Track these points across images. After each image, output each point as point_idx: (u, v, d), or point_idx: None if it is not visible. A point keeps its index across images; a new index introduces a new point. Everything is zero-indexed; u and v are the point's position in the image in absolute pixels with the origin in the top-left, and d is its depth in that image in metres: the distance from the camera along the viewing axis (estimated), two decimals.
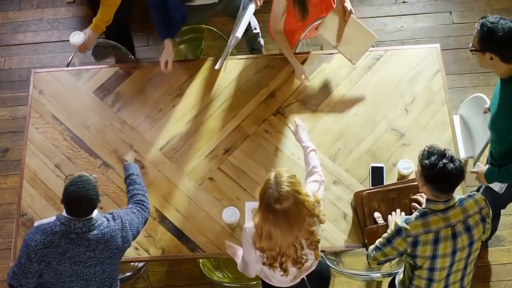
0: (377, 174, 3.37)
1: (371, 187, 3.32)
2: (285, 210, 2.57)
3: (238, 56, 3.85)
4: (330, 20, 3.58)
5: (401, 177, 3.34)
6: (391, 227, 2.79)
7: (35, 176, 3.47)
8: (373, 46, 3.67)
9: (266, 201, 2.60)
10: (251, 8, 3.64)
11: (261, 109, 3.58)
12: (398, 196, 3.22)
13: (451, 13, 4.73)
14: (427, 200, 2.76)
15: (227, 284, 3.35)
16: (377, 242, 2.86)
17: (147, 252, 3.28)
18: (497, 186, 3.29)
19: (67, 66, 3.88)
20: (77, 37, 3.67)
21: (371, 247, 2.91)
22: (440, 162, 2.62)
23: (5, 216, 4.20)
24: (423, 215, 2.73)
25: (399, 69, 3.65)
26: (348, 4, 3.58)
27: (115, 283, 2.98)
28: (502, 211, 3.70)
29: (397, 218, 2.86)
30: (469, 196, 2.78)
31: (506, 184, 3.26)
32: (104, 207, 3.37)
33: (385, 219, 3.17)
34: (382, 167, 3.38)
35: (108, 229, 2.82)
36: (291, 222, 2.60)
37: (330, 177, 3.39)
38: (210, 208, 3.35)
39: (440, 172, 2.62)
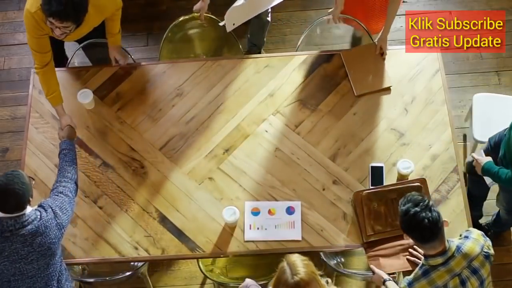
0: (376, 174, 3.37)
1: (370, 187, 3.32)
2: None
3: (238, 56, 3.85)
4: (357, 50, 3.71)
5: (401, 177, 3.34)
6: None
7: (35, 176, 3.47)
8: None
9: (281, 284, 2.51)
10: None
11: (261, 109, 3.58)
12: (398, 196, 3.22)
13: (450, 13, 4.72)
14: (425, 257, 2.71)
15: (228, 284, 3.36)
16: None
17: (147, 252, 3.28)
18: (488, 180, 3.31)
19: (67, 66, 3.88)
20: (84, 96, 3.57)
21: None
22: (412, 210, 2.59)
23: None
24: (425, 273, 2.68)
25: (399, 69, 3.65)
26: (384, 45, 3.65)
27: (64, 277, 2.93)
28: None
29: (401, 283, 2.79)
30: (466, 237, 2.71)
31: None
32: (104, 207, 3.38)
33: (384, 221, 3.18)
34: (382, 167, 3.38)
35: (41, 220, 2.78)
36: None
37: (330, 177, 3.39)
38: (210, 208, 3.35)
39: (411, 219, 2.59)
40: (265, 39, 4.37)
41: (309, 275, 2.51)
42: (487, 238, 2.75)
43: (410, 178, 3.33)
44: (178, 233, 3.31)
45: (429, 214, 2.59)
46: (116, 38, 3.66)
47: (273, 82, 3.65)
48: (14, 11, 4.93)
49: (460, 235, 2.79)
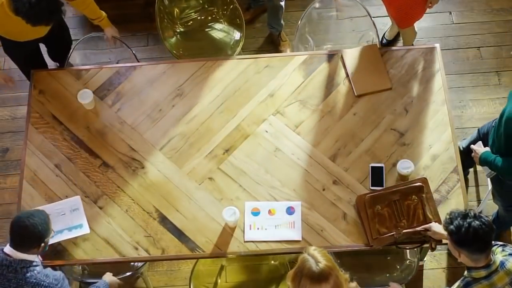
0: (376, 174, 3.37)
1: (372, 190, 3.32)
2: (324, 276, 2.51)
3: (238, 56, 3.85)
4: (357, 50, 3.68)
5: (401, 177, 3.34)
6: None
7: (35, 176, 3.47)
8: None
9: (304, 279, 2.52)
10: None
11: (261, 109, 3.58)
12: (401, 197, 3.23)
13: (450, 13, 4.72)
14: (468, 269, 2.68)
15: None
16: None
17: (147, 252, 3.28)
18: (487, 170, 3.31)
19: (65, 65, 3.88)
20: (84, 96, 3.57)
21: None
22: (465, 223, 2.57)
23: (5, 216, 4.20)
24: (467, 285, 2.66)
25: (399, 69, 3.65)
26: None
27: None
28: None
29: None
30: (510, 255, 2.69)
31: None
32: (105, 206, 3.38)
33: (388, 223, 3.18)
34: (382, 167, 3.38)
35: (30, 274, 2.80)
36: None
37: (330, 177, 3.39)
38: (210, 208, 3.35)
39: (467, 232, 2.56)
40: (282, 22, 4.45)
41: (331, 264, 2.55)
42: None
43: (410, 178, 3.33)
44: (178, 233, 3.31)
45: (483, 221, 2.58)
46: (102, 22, 3.77)
47: (273, 82, 3.65)
48: None
49: (504, 248, 2.75)
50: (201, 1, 4.12)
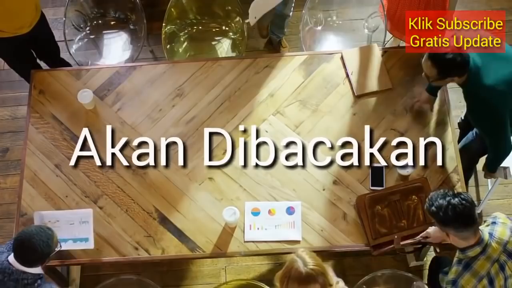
0: (377, 174, 3.37)
1: (372, 190, 3.32)
2: (312, 277, 2.55)
3: (238, 56, 3.85)
4: (357, 50, 3.68)
5: (401, 177, 3.34)
6: None
7: (35, 176, 3.47)
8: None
9: (291, 281, 2.56)
10: None
11: (261, 109, 3.58)
12: (401, 198, 3.23)
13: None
14: (463, 250, 2.72)
15: None
16: None
17: (147, 252, 3.28)
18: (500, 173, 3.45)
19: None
20: (84, 96, 3.56)
21: None
22: (444, 201, 2.64)
23: (5, 216, 4.20)
24: (466, 266, 2.70)
25: (399, 69, 3.65)
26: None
27: None
28: (502, 211, 3.69)
29: (442, 281, 2.82)
30: (493, 223, 2.75)
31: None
32: (105, 206, 3.38)
33: (389, 223, 3.18)
34: (382, 167, 3.38)
35: None
36: None
37: (330, 177, 3.39)
38: (210, 208, 3.35)
39: (447, 209, 2.62)
40: (286, 30, 4.43)
41: (320, 266, 2.57)
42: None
43: (410, 178, 3.33)
44: (178, 233, 3.31)
45: (462, 197, 2.64)
46: None
47: (273, 82, 3.65)
48: None
49: (485, 221, 2.83)
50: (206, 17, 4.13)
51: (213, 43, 4.15)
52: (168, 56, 4.00)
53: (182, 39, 4.12)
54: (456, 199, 2.63)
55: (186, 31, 4.11)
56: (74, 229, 3.30)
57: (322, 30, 4.11)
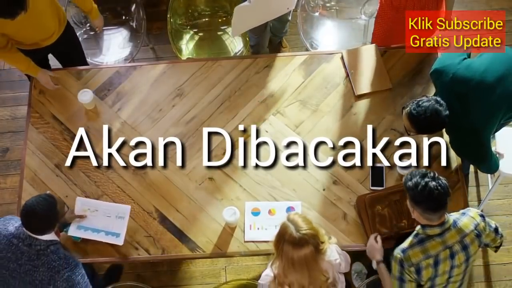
0: (377, 174, 3.37)
1: (373, 190, 3.32)
2: (305, 254, 2.64)
3: (238, 56, 3.85)
4: (357, 50, 3.68)
5: (401, 177, 3.34)
6: (392, 262, 2.83)
7: (35, 176, 3.47)
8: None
9: (286, 244, 2.65)
10: None
11: (261, 109, 3.58)
12: (401, 198, 3.22)
13: (451, 13, 4.71)
14: (423, 226, 2.79)
15: None
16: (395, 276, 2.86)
17: (147, 252, 3.28)
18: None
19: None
20: (84, 96, 3.54)
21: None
22: (422, 181, 2.69)
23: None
24: (420, 241, 2.77)
25: (399, 69, 3.65)
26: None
27: None
28: (502, 211, 3.71)
29: (396, 252, 2.87)
30: (463, 214, 2.82)
31: None
32: None
33: (390, 223, 3.18)
34: (382, 167, 3.38)
35: (48, 258, 2.82)
36: (309, 266, 2.67)
37: (330, 177, 3.39)
38: (210, 208, 3.36)
39: (423, 190, 2.68)
40: (286, 29, 4.42)
41: (312, 229, 2.67)
42: (487, 220, 2.85)
43: None
44: (178, 233, 3.31)
45: (439, 182, 2.69)
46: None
47: (273, 82, 3.65)
48: None
49: (458, 211, 2.89)
50: (211, 6, 4.13)
51: (219, 33, 4.16)
52: (175, 49, 3.98)
53: (187, 31, 4.12)
54: (434, 183, 2.68)
55: (191, 23, 4.12)
56: (109, 222, 3.29)
57: (320, 16, 4.12)
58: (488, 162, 3.22)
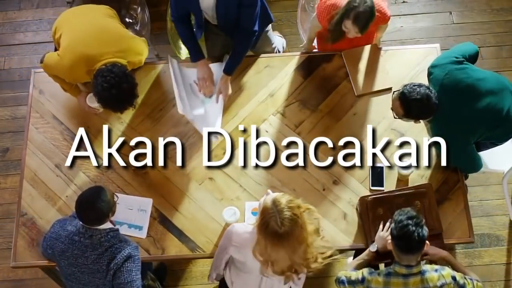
0: (377, 174, 3.37)
1: (374, 191, 3.31)
2: (287, 234, 2.62)
3: None
4: (357, 50, 3.68)
5: (401, 177, 3.34)
6: (360, 273, 2.90)
7: (35, 176, 3.47)
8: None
9: (269, 230, 2.64)
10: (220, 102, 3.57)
11: (261, 109, 3.58)
12: (404, 202, 3.19)
13: (451, 13, 4.73)
14: (394, 262, 2.86)
15: None
16: (344, 275, 2.95)
17: (147, 252, 3.28)
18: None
19: None
20: (93, 99, 3.41)
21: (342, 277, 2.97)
22: (406, 221, 2.76)
23: (5, 216, 4.20)
24: (387, 275, 2.85)
25: (399, 69, 3.65)
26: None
27: None
28: (502, 211, 3.70)
29: (365, 270, 2.93)
30: (436, 270, 2.86)
31: None
32: None
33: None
34: (382, 167, 3.38)
35: (110, 248, 2.93)
36: (292, 245, 2.66)
37: (330, 177, 3.39)
38: (210, 208, 3.36)
39: (402, 228, 2.75)
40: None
41: (295, 221, 2.62)
42: (464, 282, 2.86)
43: (411, 179, 3.33)
44: (178, 233, 3.31)
45: (420, 231, 2.75)
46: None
47: (273, 82, 3.66)
48: (15, 11, 4.93)
49: (434, 265, 2.93)
50: None
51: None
52: (175, 49, 3.97)
53: None
54: (415, 228, 2.75)
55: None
56: (132, 215, 3.32)
57: None
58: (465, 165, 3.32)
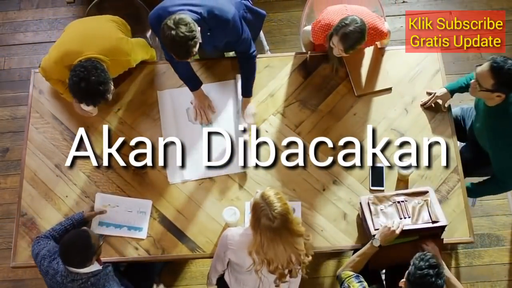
0: (377, 174, 3.37)
1: (372, 190, 3.32)
2: (281, 226, 2.72)
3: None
4: (358, 50, 3.61)
5: (401, 177, 3.34)
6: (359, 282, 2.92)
7: (35, 176, 3.47)
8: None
9: (263, 225, 2.72)
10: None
11: (261, 109, 3.58)
12: (405, 200, 3.18)
13: (450, 13, 4.72)
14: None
15: None
16: (347, 284, 2.94)
17: (147, 252, 3.28)
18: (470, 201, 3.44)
19: None
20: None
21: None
22: (427, 270, 2.72)
23: (5, 216, 4.20)
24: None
25: (399, 69, 3.65)
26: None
27: None
28: (502, 211, 3.70)
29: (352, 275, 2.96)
30: None
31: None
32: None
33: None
34: (382, 167, 3.38)
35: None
36: (284, 239, 2.76)
37: (330, 177, 3.39)
38: (211, 208, 3.36)
39: (420, 278, 2.71)
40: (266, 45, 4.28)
41: (285, 213, 2.73)
42: None
43: (411, 179, 3.33)
44: (178, 233, 3.31)
45: (439, 282, 2.72)
46: None
47: (273, 82, 3.65)
48: (14, 11, 4.93)
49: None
50: None
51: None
52: None
53: None
54: (435, 281, 2.71)
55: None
56: (131, 217, 3.32)
57: None
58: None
